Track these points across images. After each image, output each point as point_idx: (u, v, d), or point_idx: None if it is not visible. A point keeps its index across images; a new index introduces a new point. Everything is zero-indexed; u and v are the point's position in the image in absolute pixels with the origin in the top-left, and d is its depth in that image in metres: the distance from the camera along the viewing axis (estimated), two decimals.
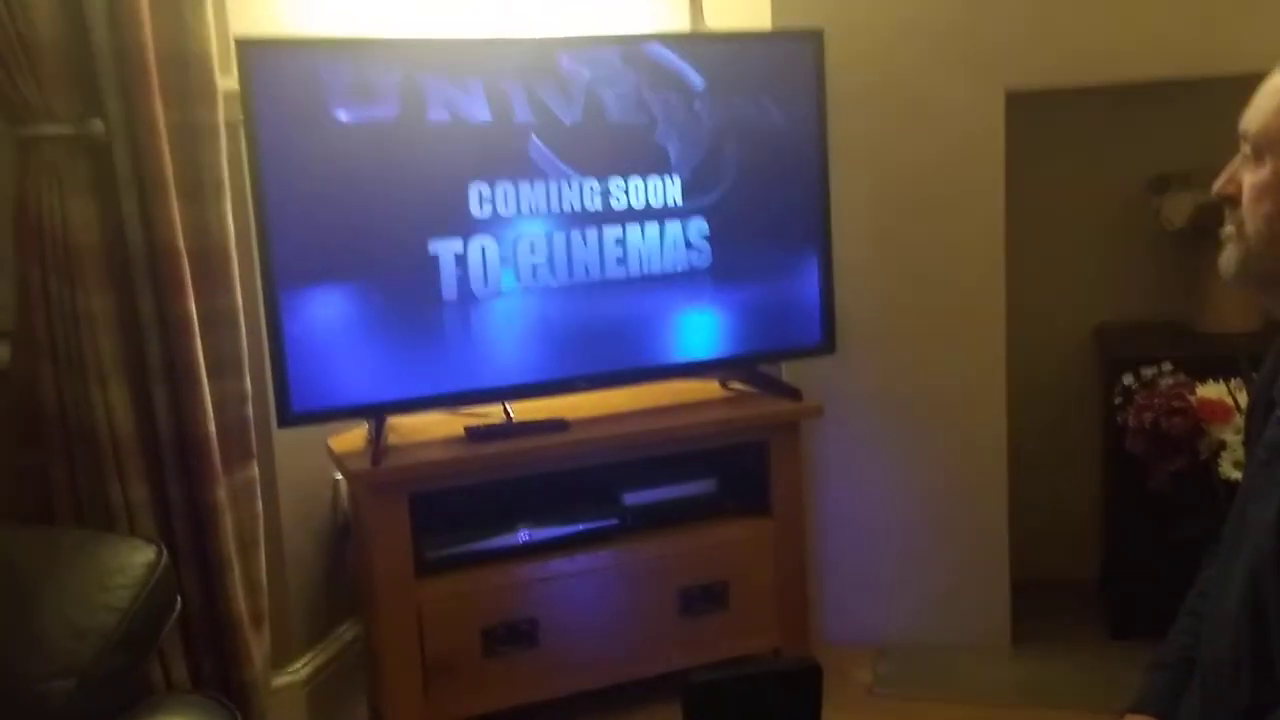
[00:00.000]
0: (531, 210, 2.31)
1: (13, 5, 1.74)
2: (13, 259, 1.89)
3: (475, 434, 2.34)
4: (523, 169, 2.29)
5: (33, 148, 1.83)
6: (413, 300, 2.24)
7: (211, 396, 1.98)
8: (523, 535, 2.36)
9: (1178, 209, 2.60)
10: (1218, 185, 1.22)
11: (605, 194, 2.36)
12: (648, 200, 2.40)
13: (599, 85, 2.32)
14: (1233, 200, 1.20)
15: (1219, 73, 2.36)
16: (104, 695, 1.41)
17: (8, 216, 1.89)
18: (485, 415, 2.44)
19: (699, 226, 2.44)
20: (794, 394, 2.56)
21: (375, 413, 2.29)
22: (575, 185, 2.33)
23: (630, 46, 2.37)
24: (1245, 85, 1.22)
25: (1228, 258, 1.21)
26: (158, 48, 1.87)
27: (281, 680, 2.33)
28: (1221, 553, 1.29)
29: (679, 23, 2.68)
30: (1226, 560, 1.24)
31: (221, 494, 1.99)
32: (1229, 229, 1.21)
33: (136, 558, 1.51)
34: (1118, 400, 2.31)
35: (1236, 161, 1.20)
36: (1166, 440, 2.17)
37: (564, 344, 2.37)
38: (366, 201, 2.19)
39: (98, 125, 1.86)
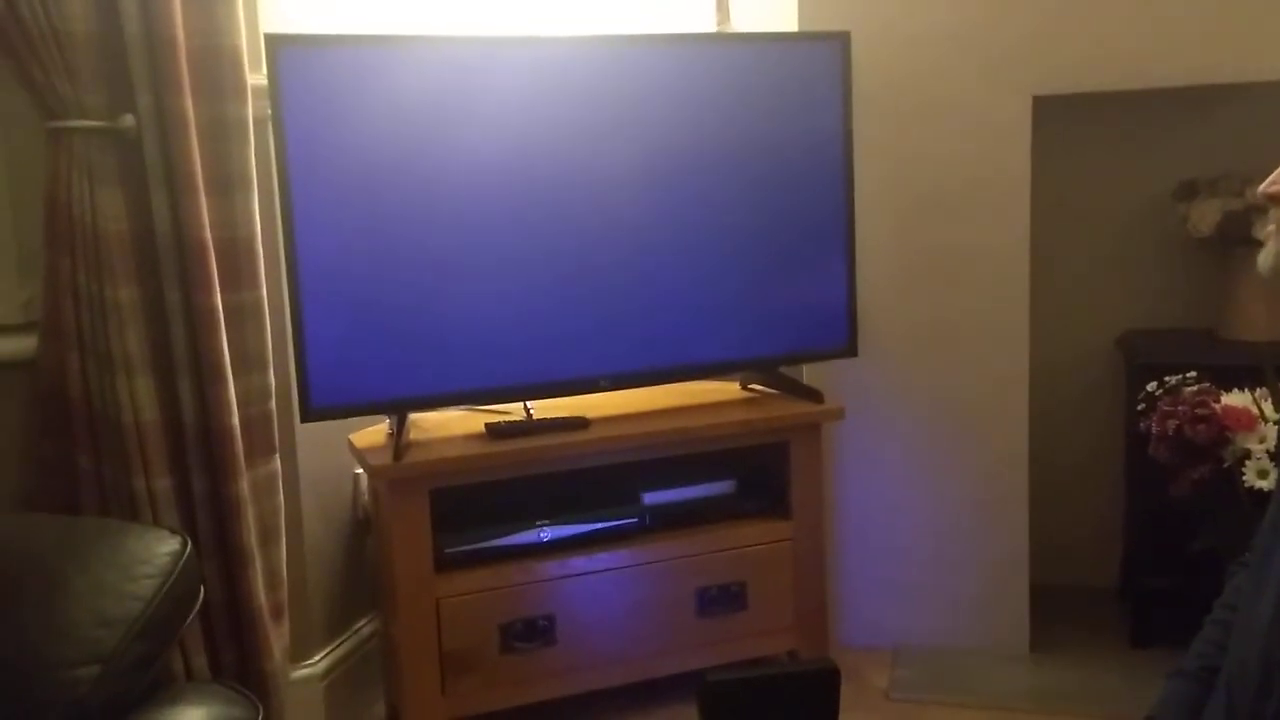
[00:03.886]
0: (558, 210, 2.31)
1: None
2: (42, 250, 1.91)
3: (496, 431, 2.35)
4: (551, 167, 2.30)
5: (64, 140, 1.85)
6: (436, 297, 2.25)
7: (235, 390, 1.99)
8: (542, 533, 2.37)
9: (1205, 216, 2.58)
10: (1265, 185, 1.22)
11: (632, 194, 2.37)
12: (673, 201, 2.40)
13: (626, 85, 2.33)
14: (1278, 200, 1.19)
15: (1248, 79, 2.34)
16: (127, 683, 1.41)
17: (38, 208, 1.91)
18: (506, 413, 2.45)
19: (723, 227, 2.44)
20: (815, 396, 2.55)
21: (397, 409, 2.30)
22: (602, 184, 2.34)
23: (656, 47, 2.37)
24: (1274, 92, 1.21)
25: (1267, 254, 1.21)
26: (189, 43, 1.89)
27: (300, 673, 2.35)
28: (1252, 562, 1.28)
29: (705, 24, 2.68)
30: (1258, 569, 1.23)
31: (244, 487, 2.00)
32: (1270, 228, 1.21)
33: (162, 547, 1.52)
34: (1141, 407, 2.30)
35: None
36: (1190, 448, 2.16)
37: (586, 343, 2.38)
38: (392, 198, 2.20)
39: (128, 119, 1.87)
